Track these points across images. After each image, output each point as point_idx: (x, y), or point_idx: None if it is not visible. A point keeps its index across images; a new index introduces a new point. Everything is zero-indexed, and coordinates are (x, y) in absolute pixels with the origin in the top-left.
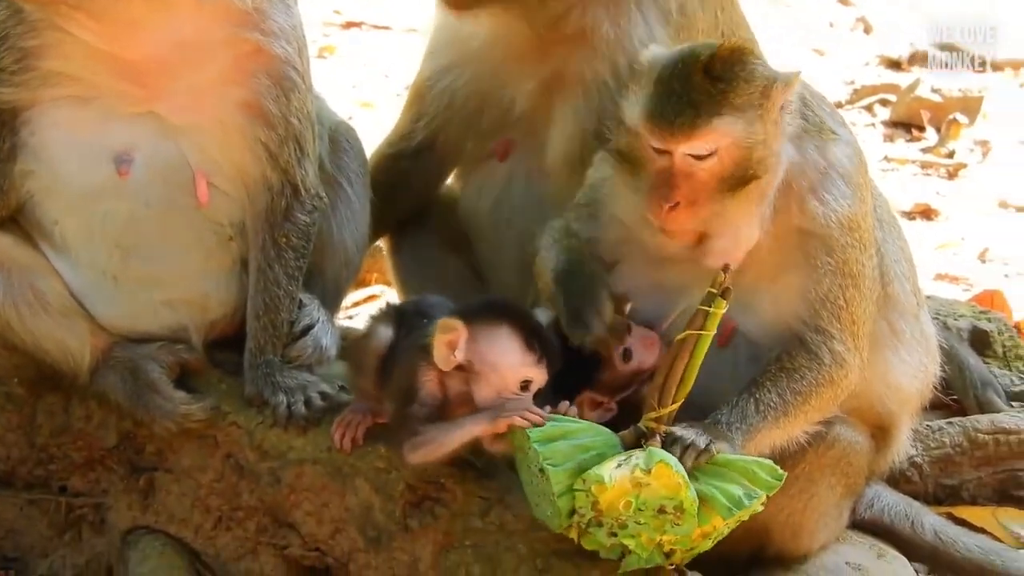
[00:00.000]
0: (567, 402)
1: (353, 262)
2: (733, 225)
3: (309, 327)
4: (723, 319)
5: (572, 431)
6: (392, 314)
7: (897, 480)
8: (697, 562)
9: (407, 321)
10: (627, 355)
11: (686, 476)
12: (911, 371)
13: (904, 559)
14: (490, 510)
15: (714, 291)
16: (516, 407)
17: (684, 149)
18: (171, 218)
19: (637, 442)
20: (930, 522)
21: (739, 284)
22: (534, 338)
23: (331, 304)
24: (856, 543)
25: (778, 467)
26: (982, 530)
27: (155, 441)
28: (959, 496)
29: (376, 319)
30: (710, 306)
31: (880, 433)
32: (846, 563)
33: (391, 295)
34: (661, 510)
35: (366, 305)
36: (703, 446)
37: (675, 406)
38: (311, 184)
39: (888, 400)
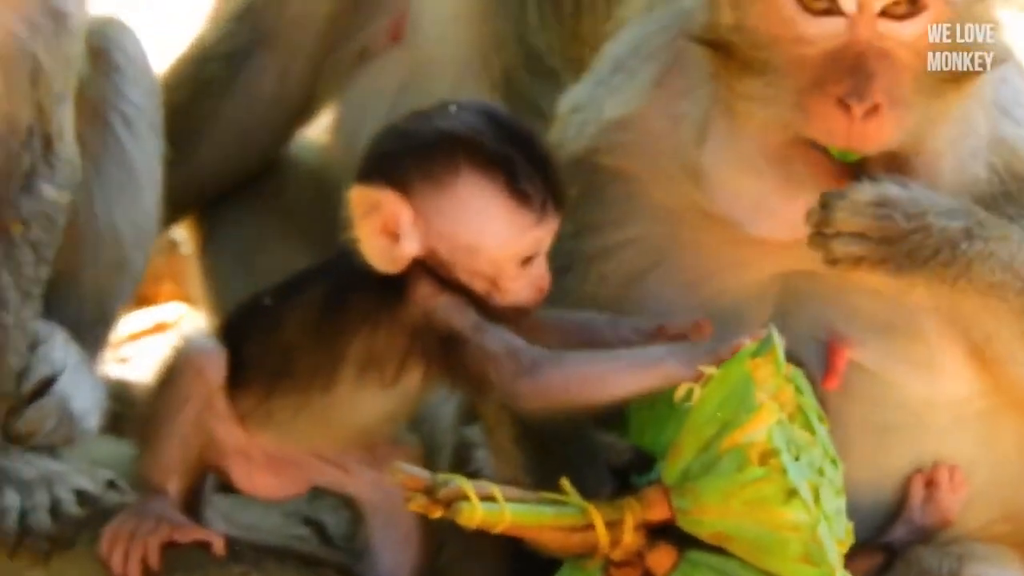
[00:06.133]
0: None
1: (131, 263)
2: (940, 147)
3: (49, 380)
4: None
5: None
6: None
7: None
8: None
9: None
10: None
11: None
12: None
13: None
14: None
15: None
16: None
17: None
18: None
19: None
20: None
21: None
22: (523, 176)
23: (91, 338)
24: None
25: None
26: None
27: None
28: None
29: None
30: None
31: None
32: None
33: (196, 319)
34: None
35: (153, 337)
36: None
37: None
38: (67, 135)
39: None
